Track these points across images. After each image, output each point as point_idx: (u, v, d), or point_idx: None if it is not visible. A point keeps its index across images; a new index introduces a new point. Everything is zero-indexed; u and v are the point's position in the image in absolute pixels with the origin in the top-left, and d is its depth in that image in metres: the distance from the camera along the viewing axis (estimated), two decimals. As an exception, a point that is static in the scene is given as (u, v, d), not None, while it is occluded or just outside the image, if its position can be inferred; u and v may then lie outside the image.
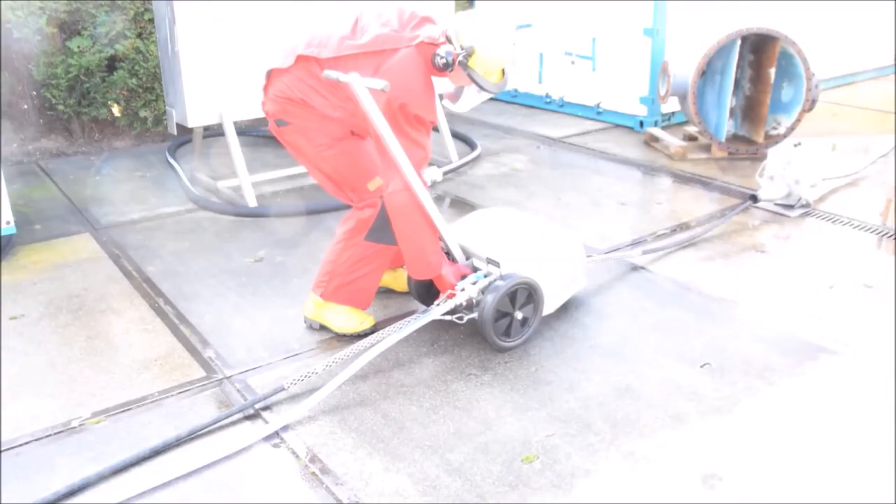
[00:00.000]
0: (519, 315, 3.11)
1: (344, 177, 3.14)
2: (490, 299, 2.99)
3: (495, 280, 3.08)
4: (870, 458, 2.50)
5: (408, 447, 2.58)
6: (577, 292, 3.53)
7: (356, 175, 3.14)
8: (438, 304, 3.07)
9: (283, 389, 2.80)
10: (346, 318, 3.25)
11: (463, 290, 3.08)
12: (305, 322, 3.33)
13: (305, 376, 2.82)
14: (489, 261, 3.15)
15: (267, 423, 2.71)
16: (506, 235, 3.38)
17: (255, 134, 6.49)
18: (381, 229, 3.13)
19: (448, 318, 3.09)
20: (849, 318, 3.40)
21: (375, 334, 3.01)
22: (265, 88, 3.09)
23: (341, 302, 3.25)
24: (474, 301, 3.09)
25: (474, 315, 3.07)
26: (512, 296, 3.06)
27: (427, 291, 3.33)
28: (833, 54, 7.88)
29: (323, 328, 3.30)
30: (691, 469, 2.46)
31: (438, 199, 5.02)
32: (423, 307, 3.25)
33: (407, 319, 3.06)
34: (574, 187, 5.21)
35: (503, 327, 3.09)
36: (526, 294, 3.11)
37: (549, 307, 3.25)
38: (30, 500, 2.34)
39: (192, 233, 4.46)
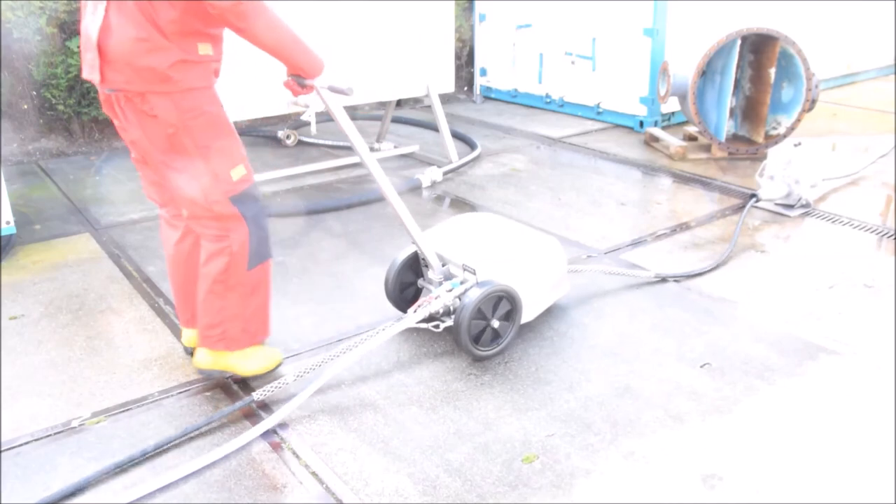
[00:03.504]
0: (496, 323, 3.04)
1: (207, 157, 2.63)
2: (465, 307, 2.94)
3: (471, 287, 3.03)
4: (870, 458, 2.50)
5: (408, 447, 2.58)
6: (562, 297, 3.50)
7: (222, 155, 2.67)
8: (415, 311, 3.02)
9: (253, 401, 2.76)
10: (257, 360, 2.93)
11: (438, 297, 3.04)
12: (203, 373, 2.92)
13: (276, 387, 2.79)
14: (465, 268, 3.09)
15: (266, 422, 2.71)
16: (483, 242, 3.30)
17: (255, 134, 6.50)
18: (258, 246, 2.78)
19: (424, 325, 3.05)
20: (849, 318, 3.40)
21: (350, 340, 2.95)
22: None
23: (252, 343, 2.92)
24: (451, 308, 3.05)
25: (451, 323, 3.02)
26: (488, 304, 2.99)
27: (404, 298, 3.30)
28: (833, 54, 7.89)
29: (229, 374, 2.95)
30: (691, 469, 2.46)
31: (438, 199, 5.03)
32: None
33: (382, 326, 3.03)
34: (574, 187, 5.22)
35: (480, 335, 3.02)
36: (503, 302, 3.04)
37: (528, 315, 3.19)
38: (30, 500, 2.34)
39: (192, 233, 4.45)
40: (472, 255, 3.13)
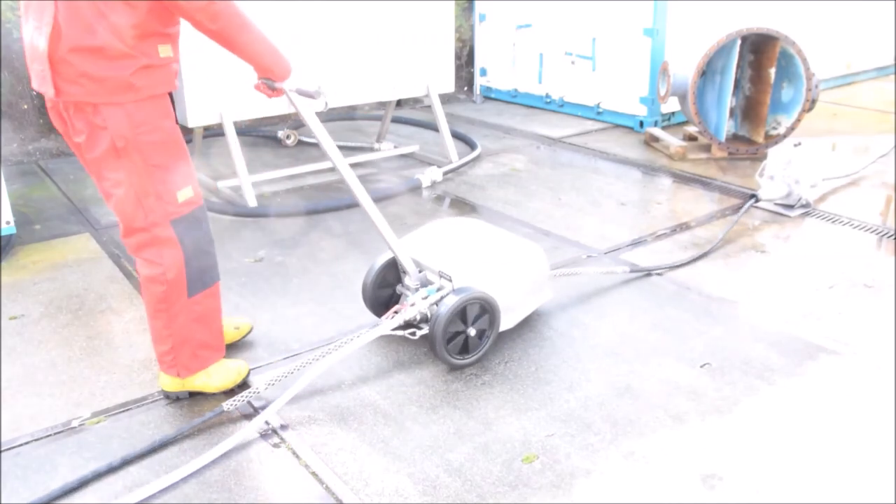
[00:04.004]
0: (472, 331, 2.96)
1: (154, 175, 2.51)
2: (440, 315, 2.86)
3: (447, 294, 2.95)
4: (870, 458, 2.50)
5: (408, 447, 2.58)
6: (546, 302, 3.44)
7: (170, 174, 2.55)
8: (390, 318, 2.97)
9: (223, 412, 2.71)
10: (222, 375, 2.86)
11: (413, 304, 2.99)
12: (170, 395, 2.84)
13: (246, 397, 2.72)
14: (441, 275, 3.03)
15: (268, 423, 2.71)
16: (460, 248, 3.23)
17: (255, 134, 6.50)
18: (199, 273, 2.69)
19: (400, 333, 2.99)
20: (849, 318, 3.40)
21: (323, 349, 2.92)
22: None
23: (205, 366, 2.83)
24: (427, 315, 2.99)
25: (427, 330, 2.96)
26: (464, 311, 2.92)
27: (382, 303, 3.24)
28: (833, 54, 7.89)
29: (196, 394, 2.88)
30: (691, 469, 2.46)
31: (438, 199, 5.03)
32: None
33: (357, 333, 2.99)
34: (574, 187, 5.22)
35: (457, 344, 2.96)
36: (480, 309, 2.97)
37: (507, 322, 3.11)
38: (30, 500, 2.34)
39: (192, 233, 4.45)
40: (449, 261, 3.07)
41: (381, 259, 3.25)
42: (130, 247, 2.64)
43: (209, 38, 2.48)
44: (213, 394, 2.86)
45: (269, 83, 2.68)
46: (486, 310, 3.00)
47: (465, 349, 3.00)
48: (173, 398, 2.84)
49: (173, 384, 2.82)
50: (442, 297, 2.96)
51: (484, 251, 3.25)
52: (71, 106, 2.41)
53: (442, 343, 2.90)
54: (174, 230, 2.59)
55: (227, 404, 2.72)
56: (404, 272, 3.13)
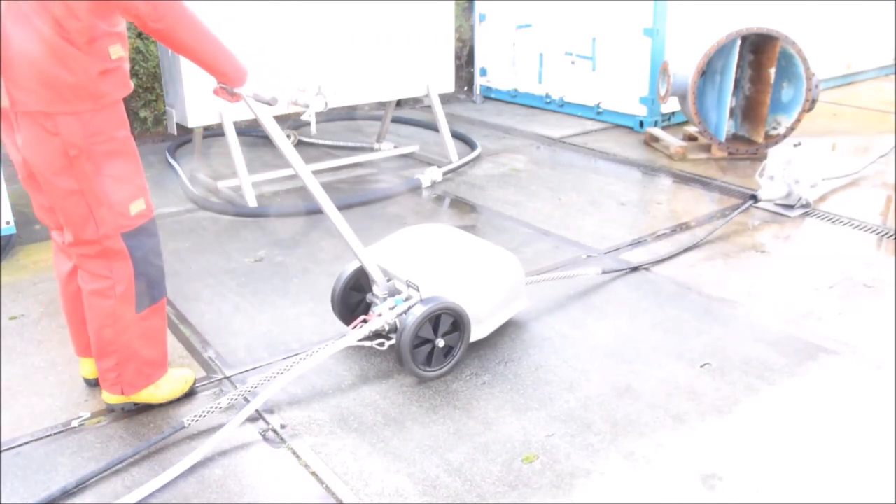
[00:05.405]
0: (441, 342, 2.90)
1: (107, 186, 2.44)
2: (407, 325, 2.80)
3: (415, 304, 2.89)
4: (870, 458, 2.50)
5: (408, 447, 2.58)
6: (519, 313, 3.35)
7: (123, 186, 2.48)
8: (355, 329, 2.92)
9: (184, 427, 2.64)
10: (169, 386, 2.80)
11: (380, 315, 2.94)
12: (114, 408, 2.77)
13: (208, 411, 2.66)
14: (409, 284, 2.98)
15: (268, 424, 2.71)
16: (429, 256, 3.15)
17: (255, 134, 6.50)
18: (148, 287, 2.61)
19: (368, 343, 2.95)
20: (849, 318, 3.40)
21: (289, 360, 2.88)
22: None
23: (150, 382, 2.74)
24: (397, 326, 2.93)
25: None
26: (432, 321, 2.85)
27: (352, 312, 3.20)
28: (833, 54, 7.89)
29: (142, 404, 2.80)
30: (691, 469, 2.46)
31: (438, 199, 5.03)
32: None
33: (325, 343, 2.97)
34: (574, 187, 5.22)
35: (425, 355, 2.90)
36: (448, 319, 2.90)
37: (479, 332, 3.04)
38: (30, 500, 2.34)
39: (192, 233, 4.46)
40: (417, 270, 3.02)
41: (351, 267, 3.20)
42: (76, 259, 2.55)
43: (156, 38, 2.40)
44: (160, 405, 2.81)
45: (227, 88, 2.64)
46: (456, 320, 2.94)
47: (434, 360, 2.94)
48: (118, 409, 2.76)
49: (117, 397, 2.74)
50: (410, 308, 2.90)
51: (454, 260, 3.17)
52: (19, 114, 2.31)
53: (409, 355, 2.84)
54: (126, 243, 2.51)
55: (188, 420, 2.64)
56: (373, 281, 3.08)
